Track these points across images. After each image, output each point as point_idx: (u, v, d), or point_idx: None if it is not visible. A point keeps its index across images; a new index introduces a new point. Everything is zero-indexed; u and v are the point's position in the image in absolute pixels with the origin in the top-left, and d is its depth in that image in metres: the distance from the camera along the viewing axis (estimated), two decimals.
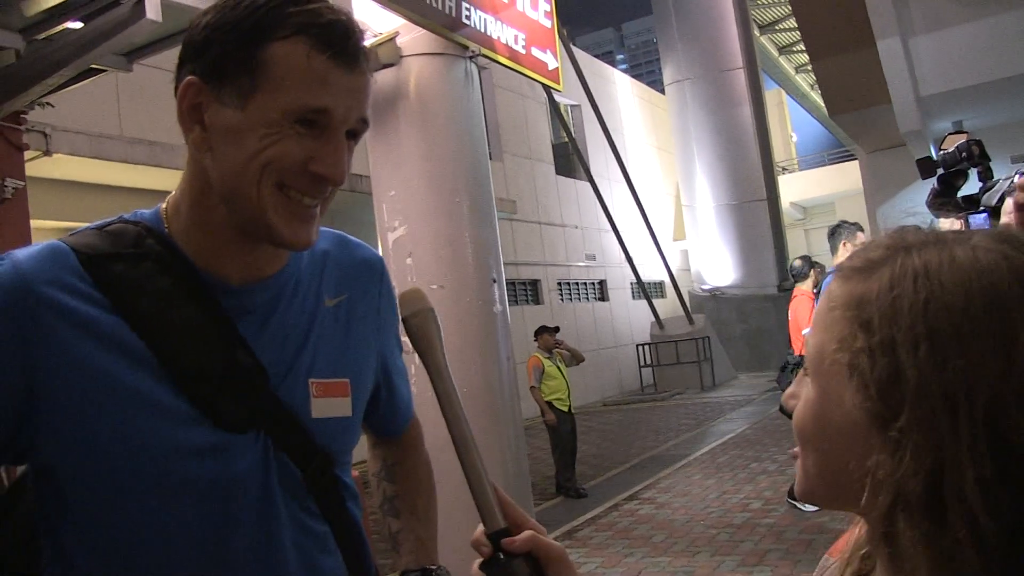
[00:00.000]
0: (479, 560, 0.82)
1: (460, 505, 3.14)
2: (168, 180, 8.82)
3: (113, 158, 8.75)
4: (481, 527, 0.83)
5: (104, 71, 5.51)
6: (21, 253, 1.05)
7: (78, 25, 4.83)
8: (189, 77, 1.05)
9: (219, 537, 1.08)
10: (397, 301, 0.89)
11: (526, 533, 0.82)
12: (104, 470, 1.03)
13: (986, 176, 2.72)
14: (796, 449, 0.75)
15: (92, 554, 1.06)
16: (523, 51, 5.87)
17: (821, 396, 0.70)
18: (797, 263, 7.17)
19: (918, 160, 2.98)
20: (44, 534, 1.10)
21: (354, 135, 1.09)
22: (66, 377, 1.01)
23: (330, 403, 1.19)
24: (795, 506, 6.74)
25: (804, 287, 6.93)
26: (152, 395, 1.04)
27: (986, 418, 0.58)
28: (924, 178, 2.92)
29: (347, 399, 1.22)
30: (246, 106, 1.03)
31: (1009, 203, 1.72)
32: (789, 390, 0.76)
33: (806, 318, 6.63)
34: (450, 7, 5.05)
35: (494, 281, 5.12)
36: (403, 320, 0.88)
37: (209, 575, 1.08)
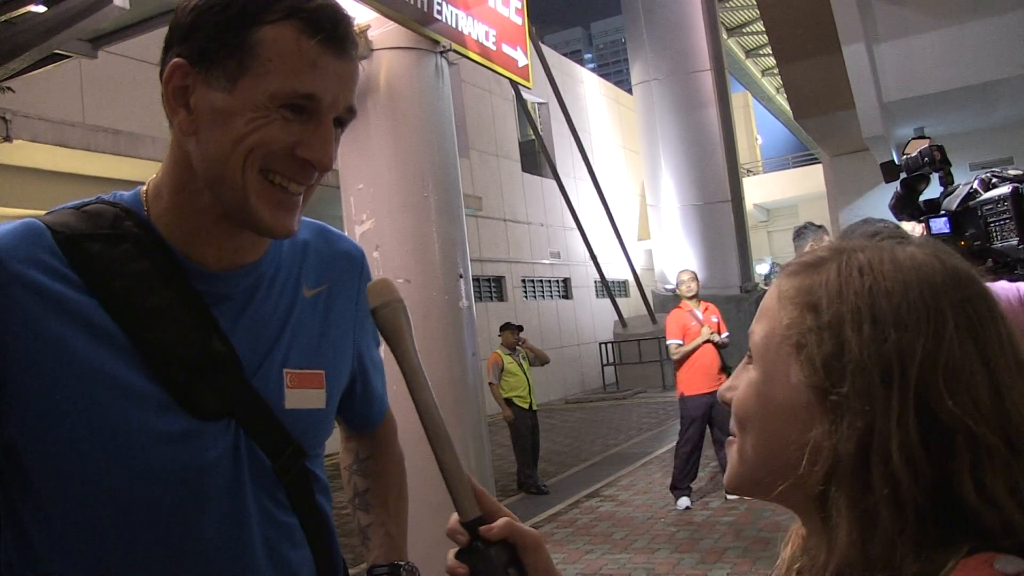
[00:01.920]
0: (455, 549, 0.82)
1: (426, 500, 3.14)
2: (131, 169, 8.70)
3: (75, 146, 8.57)
4: (455, 516, 0.83)
5: (68, 57, 5.39)
6: None
7: (41, 9, 4.68)
8: (176, 59, 1.04)
9: (186, 526, 1.07)
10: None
11: (502, 520, 0.82)
12: (69, 452, 1.00)
13: (947, 181, 2.77)
14: (732, 437, 0.78)
15: (53, 537, 1.04)
16: (494, 47, 5.86)
17: (765, 377, 0.74)
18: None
19: (882, 164, 3.03)
20: (4, 514, 1.07)
21: (341, 123, 1.09)
22: (35, 356, 0.99)
23: (304, 394, 1.18)
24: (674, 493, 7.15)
25: (686, 301, 7.35)
26: (123, 378, 1.02)
27: (916, 390, 0.65)
28: (888, 181, 2.97)
29: (321, 391, 1.21)
30: (234, 90, 1.02)
31: None
32: (727, 383, 0.80)
33: (672, 329, 7.19)
34: (422, 2, 5.02)
35: (461, 276, 5.11)
36: (372, 311, 0.87)
37: (175, 565, 1.06)
